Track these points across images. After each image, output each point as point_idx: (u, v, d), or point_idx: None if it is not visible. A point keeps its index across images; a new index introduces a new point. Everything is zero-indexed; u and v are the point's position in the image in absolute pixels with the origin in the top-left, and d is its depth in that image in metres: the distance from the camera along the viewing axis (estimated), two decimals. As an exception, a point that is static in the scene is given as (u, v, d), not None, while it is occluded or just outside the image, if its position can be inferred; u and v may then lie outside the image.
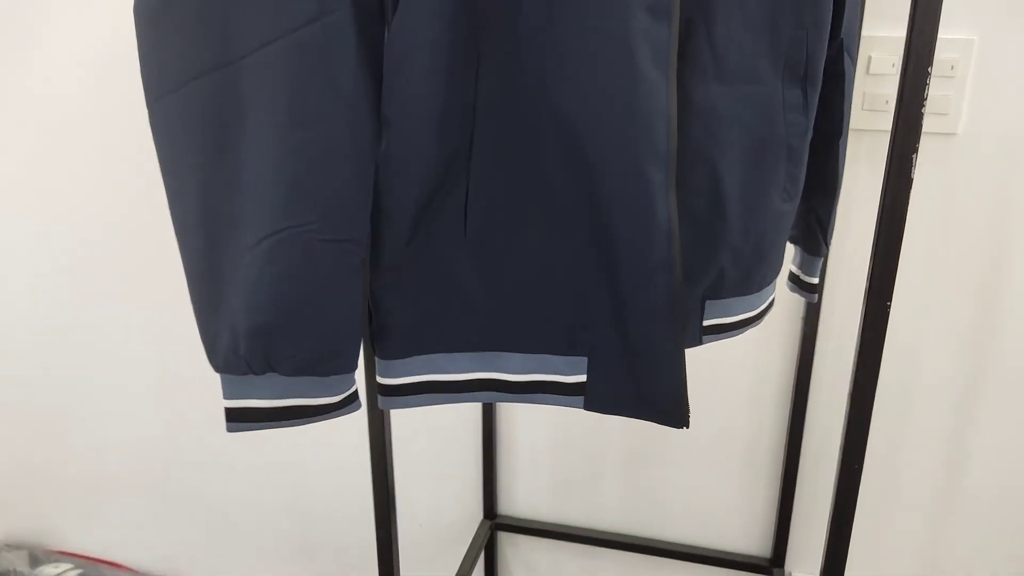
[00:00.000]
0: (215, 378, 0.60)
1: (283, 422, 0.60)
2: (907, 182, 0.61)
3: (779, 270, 0.78)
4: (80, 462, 1.51)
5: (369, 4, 0.53)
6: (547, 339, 0.64)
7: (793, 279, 0.88)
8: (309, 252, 0.55)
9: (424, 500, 1.35)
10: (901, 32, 0.97)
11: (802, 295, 0.87)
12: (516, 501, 1.32)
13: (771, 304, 0.80)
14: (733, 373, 1.14)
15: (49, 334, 1.41)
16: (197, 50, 0.52)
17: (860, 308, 0.65)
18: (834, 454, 0.98)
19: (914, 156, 0.61)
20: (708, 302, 0.73)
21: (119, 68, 1.20)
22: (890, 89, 0.98)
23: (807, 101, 0.69)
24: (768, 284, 0.77)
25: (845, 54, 0.73)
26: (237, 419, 0.59)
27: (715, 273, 0.70)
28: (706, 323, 0.74)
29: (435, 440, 1.30)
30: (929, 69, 0.60)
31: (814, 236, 0.82)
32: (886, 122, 1.00)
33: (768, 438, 1.17)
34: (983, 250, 1.02)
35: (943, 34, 0.81)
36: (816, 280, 0.85)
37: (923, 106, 0.61)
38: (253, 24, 0.51)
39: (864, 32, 0.94)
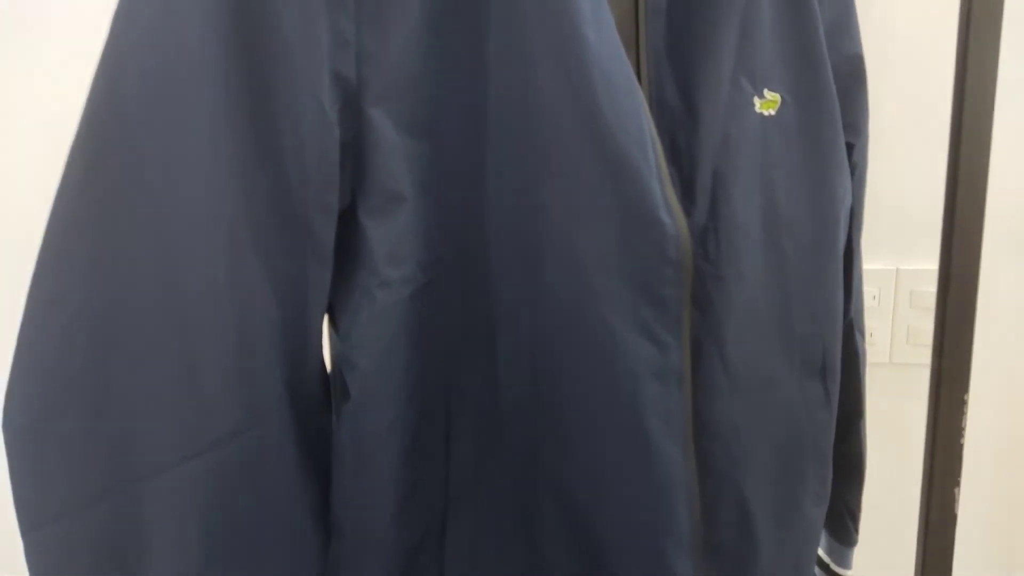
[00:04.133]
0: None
1: None
2: (956, 465, 0.52)
3: (814, 570, 0.66)
4: None
5: (310, 394, 0.42)
6: None
7: (823, 567, 0.76)
8: None
9: None
10: (878, 264, 0.96)
11: (836, 588, 0.74)
12: None
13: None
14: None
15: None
16: (84, 472, 0.39)
17: None
18: None
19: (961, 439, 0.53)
20: (741, 640, 0.59)
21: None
22: (872, 322, 0.92)
23: (828, 395, 0.60)
24: (805, 595, 0.64)
25: (856, 333, 0.65)
26: None
27: (750, 612, 0.58)
28: (740, 663, 0.60)
29: None
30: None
31: (843, 524, 0.71)
32: (871, 355, 0.95)
33: None
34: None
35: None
36: (849, 572, 0.73)
37: (967, 391, 0.53)
38: (159, 438, 0.39)
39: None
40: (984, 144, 0.51)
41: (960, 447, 0.52)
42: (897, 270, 0.93)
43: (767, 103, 0.51)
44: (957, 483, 0.53)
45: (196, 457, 0.39)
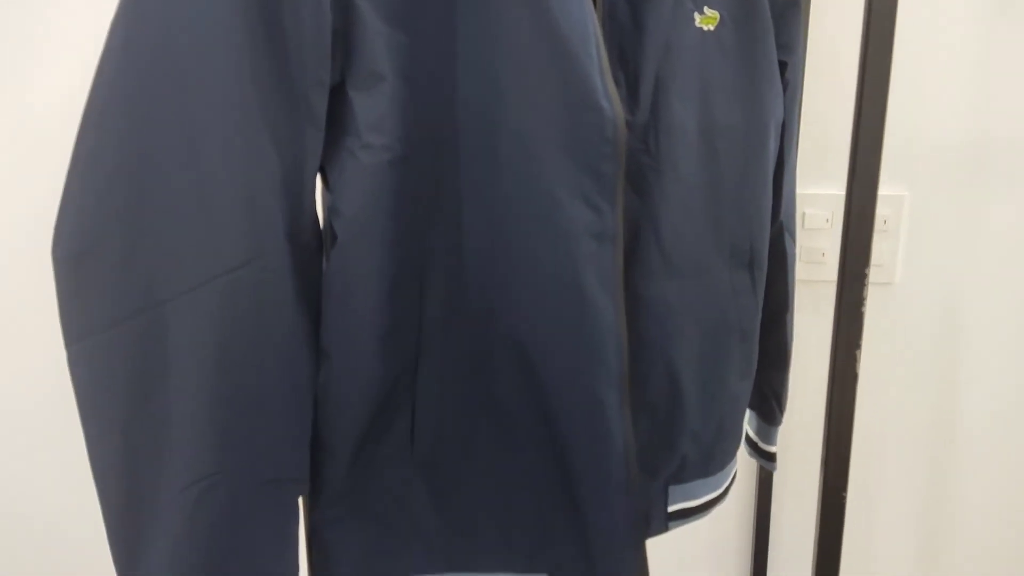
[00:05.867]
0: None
1: None
2: (857, 329, 0.62)
3: (739, 443, 0.76)
4: None
5: (305, 238, 0.51)
6: (507, 558, 0.60)
7: (752, 445, 0.86)
8: (240, 497, 0.50)
9: None
10: (833, 189, 1.04)
11: (761, 463, 0.85)
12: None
13: (734, 478, 0.77)
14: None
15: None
16: (119, 294, 0.48)
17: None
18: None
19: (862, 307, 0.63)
20: (672, 487, 0.70)
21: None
22: (825, 242, 1.01)
23: (755, 284, 0.69)
24: (730, 460, 0.75)
25: (786, 234, 0.73)
26: None
27: (677, 461, 0.68)
28: (671, 509, 0.70)
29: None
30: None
31: (769, 405, 0.81)
32: (823, 273, 1.04)
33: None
34: (930, 387, 1.04)
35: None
36: (775, 448, 0.83)
37: (868, 265, 0.62)
38: (179, 267, 0.48)
39: (798, 190, 0.97)
40: (883, 78, 0.59)
41: (861, 313, 0.61)
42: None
43: (706, 19, 0.59)
44: (859, 345, 0.62)
45: (212, 281, 0.47)
